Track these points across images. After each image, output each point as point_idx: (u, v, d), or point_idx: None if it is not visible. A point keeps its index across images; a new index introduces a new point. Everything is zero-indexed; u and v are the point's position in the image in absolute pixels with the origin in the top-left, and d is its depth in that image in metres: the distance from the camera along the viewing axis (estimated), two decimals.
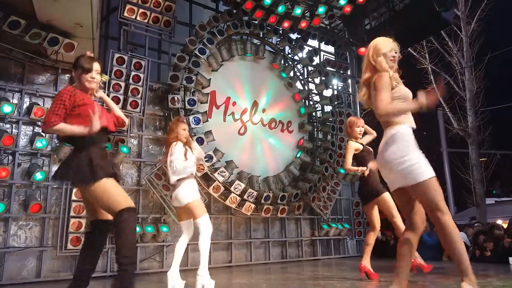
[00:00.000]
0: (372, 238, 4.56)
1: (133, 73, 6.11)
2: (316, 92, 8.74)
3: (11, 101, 5.34)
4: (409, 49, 12.95)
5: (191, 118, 6.46)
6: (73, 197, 5.32)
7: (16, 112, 5.29)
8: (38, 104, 5.47)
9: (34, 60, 5.59)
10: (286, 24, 7.92)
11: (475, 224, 8.89)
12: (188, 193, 3.74)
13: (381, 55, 2.72)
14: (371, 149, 4.73)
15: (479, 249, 6.78)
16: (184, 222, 3.91)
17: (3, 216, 5.03)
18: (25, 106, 5.50)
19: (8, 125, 5.36)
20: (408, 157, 2.52)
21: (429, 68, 13.78)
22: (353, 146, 4.58)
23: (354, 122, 4.71)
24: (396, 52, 2.78)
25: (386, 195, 4.40)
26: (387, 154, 2.61)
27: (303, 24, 8.03)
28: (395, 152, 2.57)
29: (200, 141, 6.39)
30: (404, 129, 2.62)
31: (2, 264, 4.95)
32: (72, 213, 5.28)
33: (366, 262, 4.51)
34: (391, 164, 2.59)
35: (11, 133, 5.28)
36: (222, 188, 6.58)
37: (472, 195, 13.25)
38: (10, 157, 5.26)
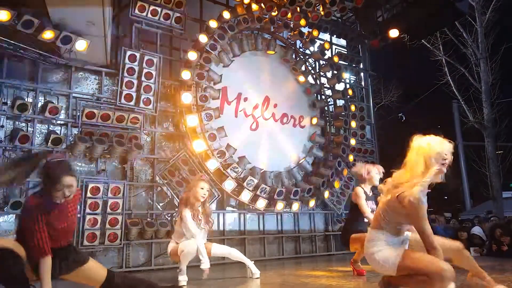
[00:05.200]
0: None
1: (145, 70, 6.14)
2: (328, 86, 8.67)
3: (25, 99, 5.42)
4: (422, 40, 12.75)
5: (203, 114, 6.47)
6: (88, 194, 5.39)
7: (31, 111, 5.36)
8: (52, 103, 5.54)
9: (48, 59, 5.66)
10: (297, 18, 7.86)
11: (492, 218, 8.77)
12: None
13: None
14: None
15: (495, 243, 6.68)
16: None
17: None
18: (39, 104, 5.58)
19: (23, 124, 5.45)
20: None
21: (444, 59, 13.57)
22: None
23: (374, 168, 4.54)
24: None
25: None
26: None
27: (314, 17, 7.97)
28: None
29: (212, 137, 6.41)
30: None
31: None
32: (87, 210, 5.35)
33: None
34: None
35: (27, 131, 5.36)
36: (235, 184, 6.59)
37: (489, 188, 13.06)
38: None
